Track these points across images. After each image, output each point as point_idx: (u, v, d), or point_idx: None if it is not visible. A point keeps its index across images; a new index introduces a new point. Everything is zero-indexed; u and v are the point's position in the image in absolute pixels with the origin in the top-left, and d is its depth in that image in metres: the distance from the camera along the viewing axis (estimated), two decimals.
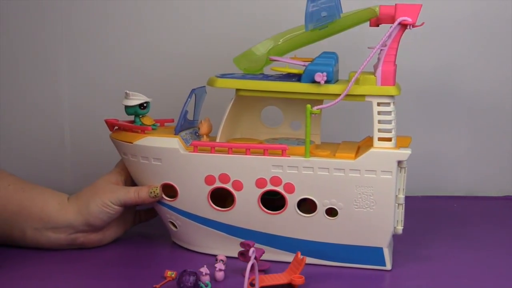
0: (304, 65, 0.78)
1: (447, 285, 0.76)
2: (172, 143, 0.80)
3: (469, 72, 1.08)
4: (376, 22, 0.80)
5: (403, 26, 0.75)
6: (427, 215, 0.94)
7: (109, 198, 0.80)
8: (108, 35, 1.06)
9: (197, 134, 0.85)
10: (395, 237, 0.81)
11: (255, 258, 0.71)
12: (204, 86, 0.84)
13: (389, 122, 0.77)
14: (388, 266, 0.79)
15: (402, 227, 0.79)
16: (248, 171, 0.78)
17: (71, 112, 1.08)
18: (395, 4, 0.76)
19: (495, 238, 0.91)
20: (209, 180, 0.79)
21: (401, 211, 0.79)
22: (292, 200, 0.78)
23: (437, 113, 1.09)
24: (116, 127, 0.86)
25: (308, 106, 0.76)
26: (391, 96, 0.77)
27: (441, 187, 1.09)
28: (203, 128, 0.84)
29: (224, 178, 0.79)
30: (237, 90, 0.80)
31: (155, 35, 1.07)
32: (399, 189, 0.78)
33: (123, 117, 0.85)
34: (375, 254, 0.79)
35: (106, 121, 0.86)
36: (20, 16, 1.04)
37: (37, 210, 0.80)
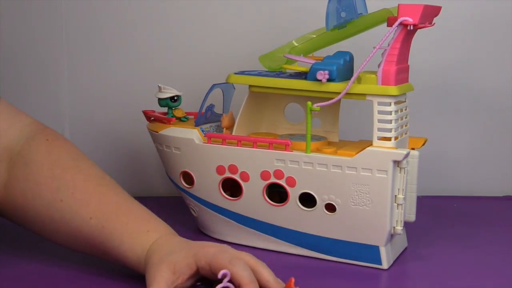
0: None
1: (446, 285, 0.76)
2: (190, 134, 0.85)
3: (469, 72, 1.06)
4: (392, 22, 0.80)
5: (405, 26, 0.75)
6: (427, 215, 0.92)
7: None
8: (109, 35, 1.07)
9: (220, 127, 0.90)
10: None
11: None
12: (232, 83, 0.89)
13: (388, 121, 0.77)
14: (385, 265, 0.79)
15: (402, 228, 0.79)
16: (254, 164, 0.82)
17: (71, 112, 1.08)
18: (398, 4, 0.76)
19: (495, 238, 0.90)
20: (220, 170, 0.84)
21: (400, 212, 0.78)
22: (293, 193, 0.81)
23: (437, 113, 1.07)
24: (152, 118, 0.93)
25: (309, 103, 0.78)
26: (392, 96, 0.77)
27: (441, 187, 1.07)
28: (225, 122, 0.88)
29: (232, 168, 0.83)
30: (250, 86, 0.84)
31: (155, 36, 1.07)
32: (398, 189, 0.78)
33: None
34: (372, 252, 0.79)
35: (143, 112, 0.93)
36: (20, 16, 1.05)
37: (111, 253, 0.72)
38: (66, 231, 0.73)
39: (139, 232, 0.71)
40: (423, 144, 0.84)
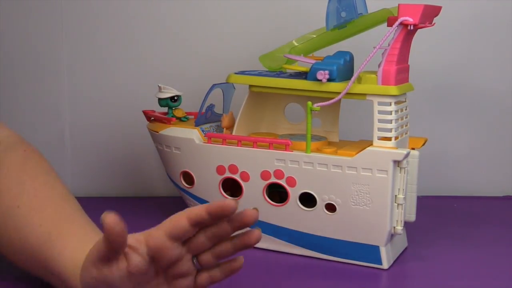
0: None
1: (446, 285, 0.76)
2: (190, 134, 0.85)
3: (469, 72, 1.06)
4: (392, 22, 0.80)
5: (405, 26, 0.75)
6: (427, 215, 0.92)
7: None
8: (109, 36, 1.07)
9: (220, 127, 0.90)
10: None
11: None
12: (232, 83, 0.89)
13: (389, 121, 0.77)
14: (385, 265, 0.79)
15: (402, 228, 0.79)
16: (254, 163, 0.82)
17: (71, 112, 1.08)
18: (398, 4, 0.76)
19: (495, 238, 0.90)
20: (220, 170, 0.84)
21: (400, 212, 0.78)
22: (294, 193, 0.81)
23: (437, 113, 1.07)
24: (152, 118, 0.93)
25: (309, 103, 0.78)
26: (392, 96, 0.77)
27: (441, 187, 1.07)
28: (225, 122, 0.89)
29: (233, 168, 0.83)
30: (250, 86, 0.84)
31: (154, 36, 1.07)
32: (398, 189, 0.78)
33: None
34: (372, 252, 0.79)
35: (144, 112, 0.93)
36: (20, 16, 1.05)
37: (47, 262, 0.66)
38: (16, 241, 0.69)
39: (85, 240, 0.65)
40: (423, 144, 0.84)
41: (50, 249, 0.66)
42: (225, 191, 0.85)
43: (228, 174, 0.84)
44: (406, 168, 0.78)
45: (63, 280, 0.65)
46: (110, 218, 0.55)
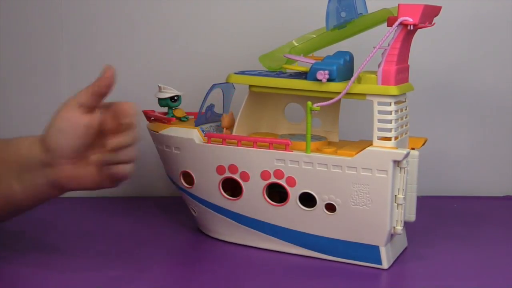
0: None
1: (446, 285, 0.76)
2: (190, 133, 0.85)
3: (469, 72, 1.06)
4: (392, 22, 0.81)
5: (405, 26, 0.75)
6: (427, 215, 0.92)
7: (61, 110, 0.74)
8: (109, 35, 1.07)
9: (220, 127, 0.90)
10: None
11: None
12: (232, 83, 0.89)
13: (388, 121, 0.77)
14: (385, 265, 0.79)
15: (402, 227, 0.79)
16: (254, 163, 0.82)
17: None
18: (398, 4, 0.76)
19: (495, 238, 0.90)
20: (220, 170, 0.84)
21: (400, 212, 0.79)
22: (294, 193, 0.81)
23: (437, 113, 1.08)
24: (152, 118, 0.93)
25: (309, 103, 0.78)
26: (392, 96, 0.77)
27: (441, 187, 1.08)
28: (224, 122, 0.89)
29: (233, 168, 0.83)
30: (250, 86, 0.84)
31: (154, 36, 1.07)
32: (398, 189, 0.78)
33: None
34: (372, 252, 0.79)
35: (144, 112, 0.93)
36: (20, 16, 1.06)
37: (12, 156, 0.75)
38: None
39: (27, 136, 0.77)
40: (423, 144, 0.84)
41: (8, 144, 0.77)
42: (225, 191, 0.85)
43: (228, 174, 0.84)
44: (406, 168, 0.78)
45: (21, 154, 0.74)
46: (111, 70, 0.76)
